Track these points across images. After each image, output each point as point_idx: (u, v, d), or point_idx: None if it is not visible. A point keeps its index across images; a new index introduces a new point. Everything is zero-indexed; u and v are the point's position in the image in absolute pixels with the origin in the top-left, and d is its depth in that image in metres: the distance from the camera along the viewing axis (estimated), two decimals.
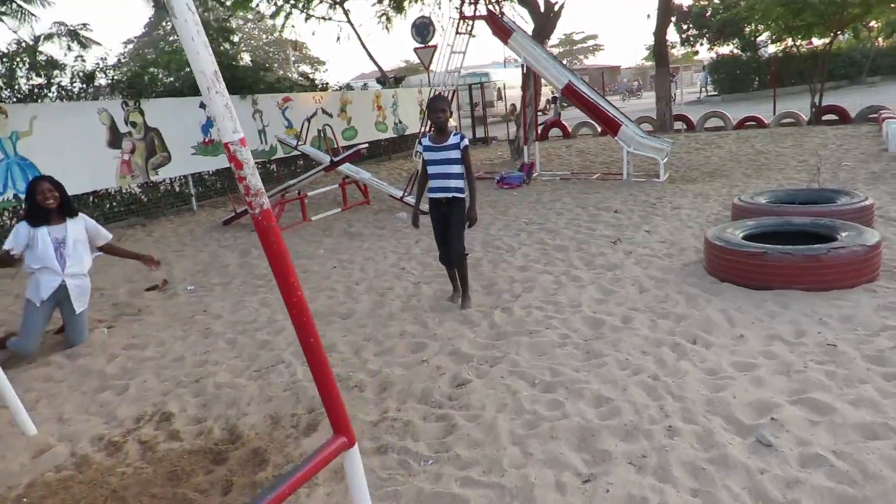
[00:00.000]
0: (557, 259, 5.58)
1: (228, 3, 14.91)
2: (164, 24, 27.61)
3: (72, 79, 9.14)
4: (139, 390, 3.72)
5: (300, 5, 17.06)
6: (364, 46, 20.30)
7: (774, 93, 17.76)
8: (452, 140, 4.35)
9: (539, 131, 14.17)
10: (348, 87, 16.64)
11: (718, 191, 8.06)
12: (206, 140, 10.58)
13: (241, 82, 11.65)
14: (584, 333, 3.87)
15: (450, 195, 4.39)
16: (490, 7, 10.79)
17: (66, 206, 4.48)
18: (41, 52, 8.93)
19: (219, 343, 4.35)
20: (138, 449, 3.10)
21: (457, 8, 11.70)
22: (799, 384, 2.96)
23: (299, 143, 9.69)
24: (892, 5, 14.48)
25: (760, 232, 4.84)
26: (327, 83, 15.79)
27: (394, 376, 3.51)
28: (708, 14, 29.18)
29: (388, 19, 18.40)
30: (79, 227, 4.53)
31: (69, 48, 9.66)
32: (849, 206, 5.16)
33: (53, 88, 8.86)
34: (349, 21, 19.86)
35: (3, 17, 9.61)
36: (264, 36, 43.52)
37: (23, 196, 4.56)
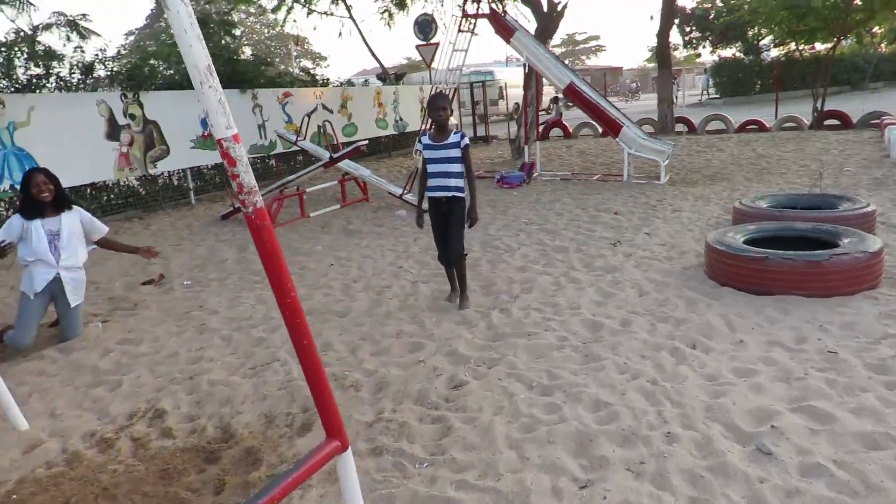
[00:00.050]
0: (557, 260, 5.55)
1: None
2: (165, 16, 27.49)
3: (71, 70, 9.08)
4: (132, 386, 3.68)
5: (302, 0, 17.00)
6: (366, 42, 20.23)
7: (777, 97, 17.73)
8: (453, 139, 4.32)
9: (540, 131, 14.13)
10: (349, 83, 16.58)
11: (719, 194, 8.03)
12: (206, 134, 10.52)
13: (241, 76, 11.59)
14: (582, 336, 3.84)
15: (450, 194, 4.35)
16: (493, 5, 10.74)
17: (61, 199, 4.43)
18: (39, 43, 8.85)
19: (214, 339, 4.32)
20: (130, 446, 3.07)
21: (459, 6, 11.65)
22: (799, 392, 2.93)
23: (299, 138, 9.64)
24: None
25: (761, 237, 4.81)
26: (328, 79, 15.73)
27: (390, 376, 3.47)
28: (711, 17, 29.13)
29: (391, 16, 18.36)
30: (74, 220, 4.48)
31: (68, 39, 9.59)
32: (851, 211, 5.13)
33: (52, 79, 8.80)
34: (351, 16, 19.78)
35: (2, 6, 9.53)
36: (266, 30, 43.41)
37: (19, 187, 4.51)
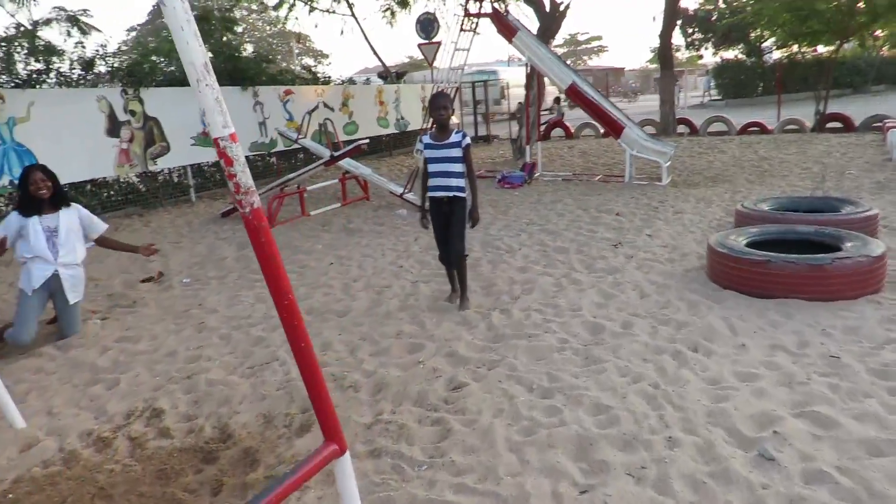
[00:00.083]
0: (558, 261, 5.52)
1: None
2: None
3: (71, 65, 9.05)
4: (130, 385, 3.66)
5: None
6: (367, 41, 20.20)
7: (779, 99, 17.68)
8: (454, 138, 4.29)
9: (541, 131, 14.11)
10: (351, 81, 16.55)
11: (721, 196, 8.00)
12: (206, 131, 10.47)
13: (242, 74, 11.57)
14: (583, 338, 3.82)
15: (451, 194, 4.32)
16: (495, 5, 10.71)
17: (59, 196, 4.41)
18: (40, 38, 8.83)
19: (213, 338, 4.29)
20: (128, 446, 3.04)
21: (462, 5, 11.62)
22: (802, 396, 2.91)
23: (300, 136, 9.62)
24: None
25: (764, 239, 4.78)
26: (329, 77, 15.70)
27: (389, 377, 3.45)
28: (714, 18, 29.11)
29: (393, 14, 18.32)
30: (72, 217, 4.46)
31: (69, 34, 9.55)
32: (854, 215, 5.11)
33: (52, 74, 8.78)
34: (353, 15, 19.74)
35: (2, 1, 9.50)
36: (268, 27, 43.35)
37: (18, 184, 4.48)
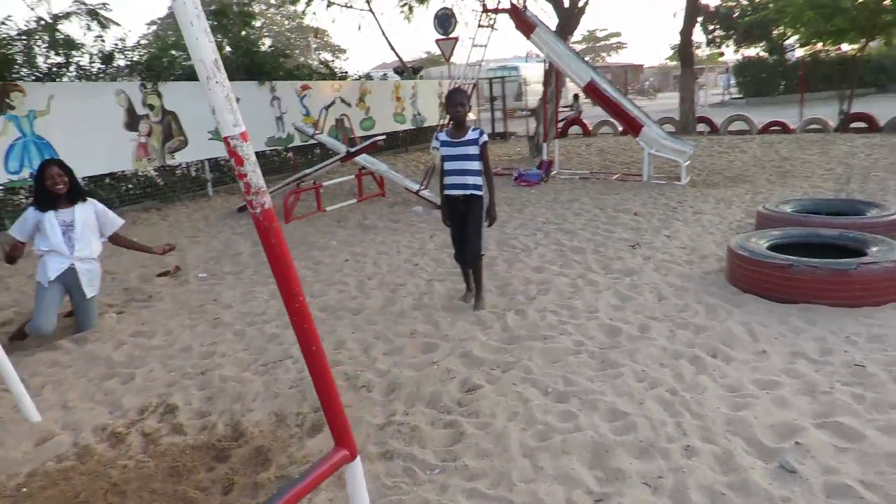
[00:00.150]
0: (574, 261, 5.46)
1: None
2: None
3: (90, 59, 9.12)
4: (145, 380, 3.67)
5: None
6: (385, 36, 20.21)
7: (802, 98, 17.39)
8: (471, 135, 4.24)
9: (559, 128, 14.00)
10: (368, 76, 16.53)
11: (741, 197, 7.87)
12: None
13: (260, 68, 11.59)
14: (599, 341, 3.76)
15: (467, 192, 4.28)
16: (514, 1, 10.60)
17: (76, 191, 4.42)
18: (59, 31, 8.89)
19: (227, 334, 4.29)
20: (141, 441, 3.05)
21: (480, 0, 11.54)
22: (825, 406, 2.83)
23: (316, 131, 9.62)
24: None
25: (786, 243, 4.69)
26: (346, 72, 15.69)
27: (402, 378, 3.42)
28: (735, 15, 28.71)
29: (411, 9, 18.28)
30: (88, 212, 4.47)
31: (88, 28, 9.61)
32: (879, 218, 4.99)
33: (72, 68, 8.85)
34: (371, 10, 19.75)
35: None
36: (286, 22, 43.49)
37: (34, 179, 4.50)
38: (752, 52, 29.63)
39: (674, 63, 43.55)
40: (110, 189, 9.31)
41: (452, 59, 14.06)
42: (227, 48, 12.08)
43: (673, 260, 5.31)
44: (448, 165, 4.32)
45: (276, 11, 41.17)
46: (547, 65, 10.88)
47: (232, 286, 5.42)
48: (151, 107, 9.34)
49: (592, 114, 20.96)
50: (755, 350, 3.48)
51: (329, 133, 10.84)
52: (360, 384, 3.41)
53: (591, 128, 17.87)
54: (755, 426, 2.69)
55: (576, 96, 20.72)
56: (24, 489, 2.73)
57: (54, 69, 8.66)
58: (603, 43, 66.81)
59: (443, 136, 4.36)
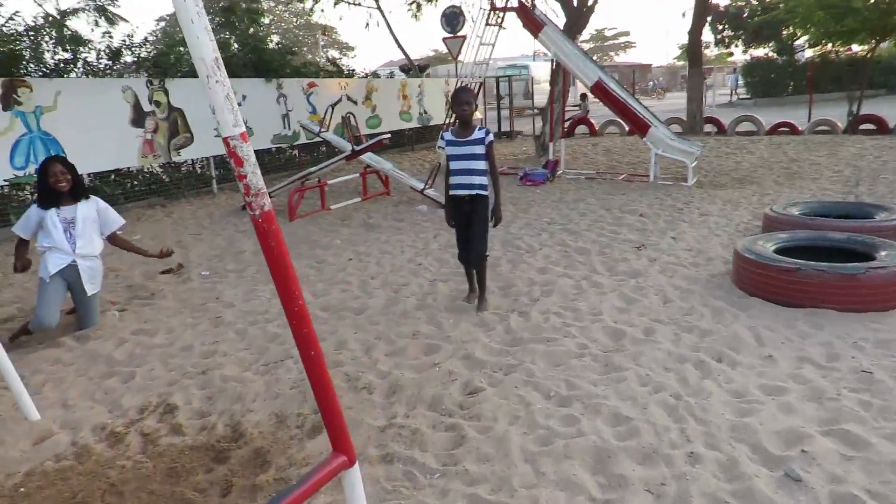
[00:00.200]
0: (578, 262, 5.42)
1: None
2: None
3: (98, 55, 9.12)
4: (145, 379, 3.65)
5: None
6: (392, 34, 20.15)
7: (811, 98, 17.27)
8: (477, 135, 4.21)
9: (565, 128, 13.93)
10: (375, 74, 16.51)
11: (749, 198, 7.81)
12: None
13: (267, 65, 11.57)
14: (603, 344, 3.72)
15: (473, 192, 4.25)
16: None
17: (79, 188, 4.42)
18: (67, 27, 8.90)
19: (228, 333, 4.28)
20: (140, 441, 3.03)
21: None
22: (831, 413, 2.79)
23: (322, 129, 9.59)
24: None
25: (793, 246, 4.64)
26: (353, 70, 15.67)
27: (404, 379, 3.40)
28: (745, 15, 28.54)
29: (419, 7, 18.24)
30: (90, 209, 4.46)
31: (96, 24, 9.62)
32: (888, 222, 4.93)
33: (79, 64, 8.85)
34: (379, 7, 19.72)
35: None
36: (294, 19, 43.54)
37: (37, 177, 4.50)
38: (761, 52, 29.45)
39: (682, 63, 43.35)
40: (115, 185, 9.31)
41: (460, 58, 14.02)
42: (235, 45, 12.08)
43: (679, 262, 5.26)
44: (454, 165, 4.28)
45: (285, 8, 41.23)
46: (554, 64, 10.82)
47: (234, 284, 5.40)
48: (158, 103, 9.34)
49: (600, 113, 20.90)
50: (761, 355, 3.44)
51: (335, 131, 10.81)
52: (361, 385, 3.38)
53: (597, 127, 17.79)
54: (760, 433, 2.65)
55: (583, 95, 20.63)
56: (22, 489, 2.72)
57: (61, 65, 8.66)
58: (611, 42, 66.57)
59: (448, 136, 4.33)
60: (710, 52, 33.85)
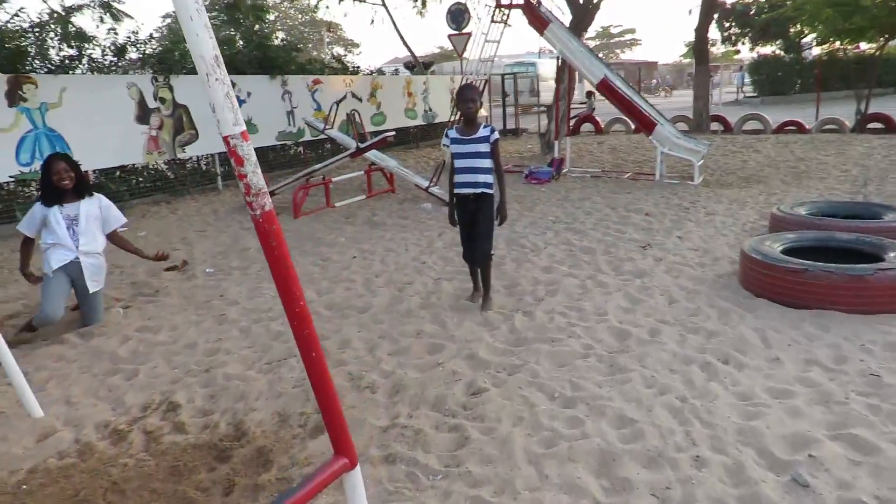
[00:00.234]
0: (584, 262, 5.39)
1: None
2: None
3: (103, 52, 9.13)
4: (148, 376, 3.65)
5: None
6: (398, 30, 20.12)
7: (818, 97, 17.15)
8: (482, 132, 4.18)
9: (571, 125, 13.88)
10: (380, 71, 16.47)
11: (755, 198, 7.75)
12: None
13: (272, 62, 11.56)
14: (608, 345, 3.70)
15: (478, 191, 4.22)
16: None
17: (82, 185, 4.41)
18: (72, 24, 8.90)
19: (232, 331, 4.27)
20: (142, 439, 3.03)
21: None
22: (839, 417, 2.76)
23: (326, 126, 9.57)
24: None
25: (800, 246, 4.59)
26: (358, 67, 15.65)
27: (407, 379, 3.38)
28: (752, 12, 28.37)
29: (424, 4, 18.19)
30: (93, 207, 4.47)
31: (101, 20, 9.62)
32: None
33: (84, 60, 8.86)
34: (384, 4, 19.68)
35: None
36: (300, 16, 43.50)
37: (40, 174, 4.50)
38: (769, 50, 29.28)
39: (688, 60, 43.16)
40: (121, 182, 9.32)
41: (465, 55, 13.97)
42: (240, 42, 12.07)
43: (685, 262, 5.23)
44: (458, 163, 4.26)
45: (290, 5, 41.21)
46: (560, 61, 10.77)
47: (238, 282, 5.40)
48: (163, 100, 9.34)
49: (606, 111, 20.84)
50: (768, 357, 3.41)
51: (339, 128, 10.79)
52: (365, 385, 3.37)
53: (603, 125, 17.73)
54: (767, 437, 2.62)
55: (589, 93, 20.56)
56: (25, 486, 2.71)
57: (66, 61, 8.67)
58: (617, 39, 66.31)
59: (453, 133, 4.30)
60: (717, 49, 33.69)
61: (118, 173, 9.35)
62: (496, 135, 4.19)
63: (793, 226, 5.11)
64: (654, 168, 9.57)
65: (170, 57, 9.82)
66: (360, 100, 13.60)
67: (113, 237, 4.67)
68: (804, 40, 26.37)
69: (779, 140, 13.52)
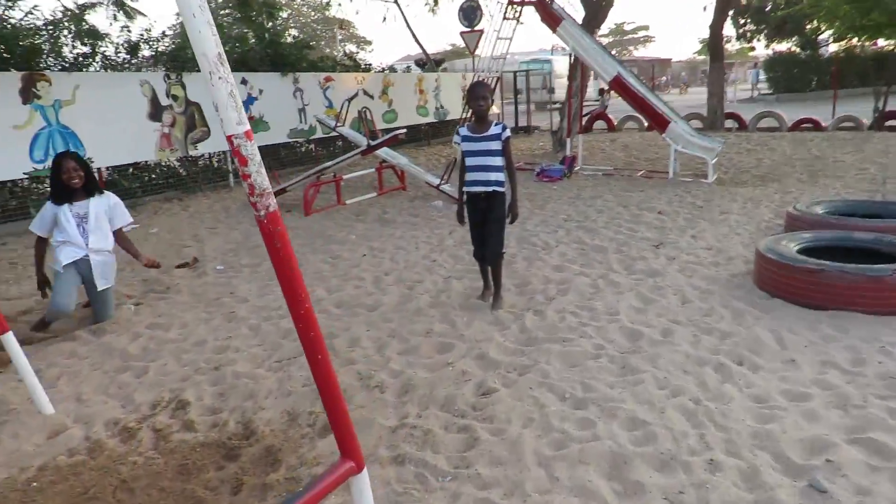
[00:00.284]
0: (595, 261, 5.34)
1: None
2: None
3: (116, 49, 9.17)
4: (158, 374, 3.65)
5: None
6: (410, 28, 20.09)
7: (835, 94, 16.92)
8: (493, 130, 4.14)
9: (583, 123, 13.78)
10: (392, 68, 16.46)
11: (770, 196, 7.65)
12: (247, 116, 10.54)
13: (283, 59, 11.57)
14: (620, 345, 3.65)
15: (489, 189, 4.18)
16: None
17: (92, 183, 4.43)
18: (86, 22, 8.96)
19: (242, 329, 4.26)
20: (152, 437, 3.02)
21: None
22: (857, 421, 2.70)
23: (338, 124, 9.57)
24: None
25: (817, 246, 4.52)
26: (370, 64, 15.64)
27: (416, 379, 3.35)
28: (768, 9, 28.02)
29: (436, 1, 18.14)
30: (102, 204, 4.48)
31: (115, 18, 9.69)
32: None
33: (97, 58, 8.91)
34: (396, 1, 19.66)
35: None
36: (312, 13, 43.56)
37: (50, 173, 4.52)
38: (784, 46, 28.92)
39: (702, 57, 42.79)
40: (133, 179, 9.37)
41: (477, 52, 13.92)
42: (252, 39, 12.09)
43: (698, 261, 5.16)
44: (469, 161, 4.22)
45: (303, 2, 41.28)
46: (573, 59, 10.69)
47: (249, 279, 5.40)
48: (175, 97, 9.38)
49: (618, 108, 20.70)
50: (784, 358, 3.35)
51: (351, 125, 10.79)
52: (374, 384, 3.34)
53: (615, 123, 17.60)
54: (783, 441, 2.57)
55: (602, 91, 20.43)
56: (35, 483, 2.72)
57: (80, 59, 8.72)
58: (630, 36, 65.83)
59: (464, 131, 4.26)
60: (732, 46, 33.33)
61: (131, 170, 9.40)
62: (508, 132, 4.15)
63: (809, 225, 5.03)
64: (668, 166, 9.48)
65: (182, 54, 9.86)
66: (371, 97, 13.59)
67: (117, 235, 4.67)
68: (821, 37, 26.01)
69: (795, 138, 13.35)
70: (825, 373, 3.16)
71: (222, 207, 8.87)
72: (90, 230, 4.36)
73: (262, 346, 3.97)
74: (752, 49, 34.14)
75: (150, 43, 9.73)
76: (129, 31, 9.47)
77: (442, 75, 16.91)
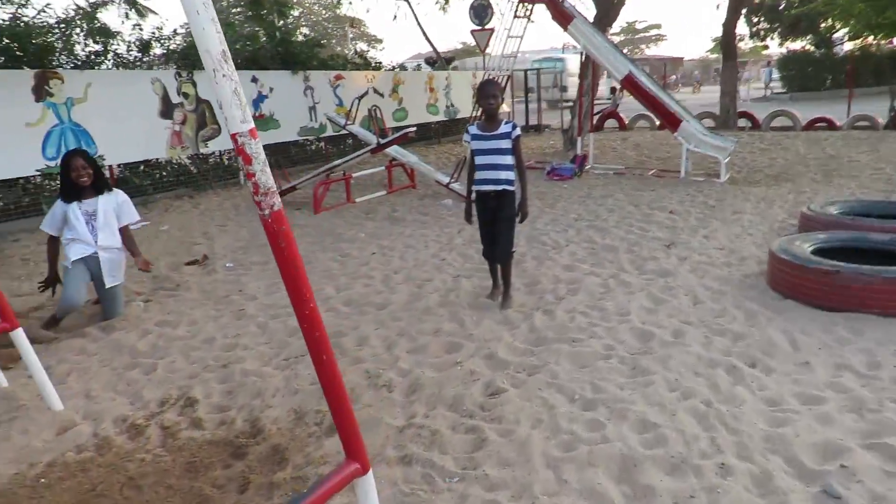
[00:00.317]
0: (606, 260, 5.29)
1: None
2: None
3: (128, 47, 9.21)
4: (166, 371, 3.65)
5: None
6: (420, 26, 20.07)
7: (850, 93, 16.72)
8: (503, 129, 4.11)
9: (594, 122, 13.70)
10: (402, 67, 16.44)
11: (784, 196, 7.57)
12: (257, 114, 10.57)
13: (294, 58, 11.58)
14: (630, 346, 3.61)
15: (499, 188, 4.15)
16: None
17: (100, 181, 4.44)
18: (97, 20, 9.00)
19: (250, 326, 4.26)
20: (159, 435, 3.02)
21: None
22: (873, 426, 2.65)
23: (348, 122, 9.56)
24: None
25: (831, 247, 4.45)
26: (380, 62, 15.63)
27: (424, 378, 3.33)
28: (781, 7, 27.76)
29: (447, 0, 18.10)
30: (111, 202, 4.50)
31: (126, 16, 9.74)
32: None
33: (109, 56, 8.95)
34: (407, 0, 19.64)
35: None
36: (324, 11, 43.65)
37: (59, 171, 4.54)
38: (798, 45, 28.64)
39: (715, 56, 42.47)
40: (144, 176, 9.42)
41: (487, 51, 13.88)
42: (263, 38, 12.12)
43: (710, 261, 5.11)
44: (479, 160, 4.19)
45: (314, 1, 41.37)
46: (584, 57, 10.63)
47: (258, 277, 5.40)
48: (186, 95, 9.41)
49: (630, 107, 20.58)
50: (797, 361, 3.30)
51: (361, 124, 10.78)
52: (382, 383, 3.33)
53: (627, 122, 17.50)
54: (796, 445, 2.53)
55: (613, 89, 20.32)
56: (43, 480, 2.72)
57: (92, 57, 8.76)
58: (642, 35, 65.43)
59: (474, 129, 4.23)
60: (745, 45, 33.04)
61: (142, 168, 9.45)
62: (518, 131, 4.12)
63: (824, 225, 4.97)
64: (679, 165, 9.40)
65: (193, 52, 9.87)
66: (381, 95, 13.58)
67: (122, 232, 4.66)
68: (835, 35, 25.74)
69: (809, 137, 13.21)
70: (839, 376, 3.12)
71: (232, 205, 8.89)
72: (99, 227, 4.38)
73: (269, 343, 3.97)
74: (766, 47, 33.89)
75: (162, 41, 9.77)
76: (140, 29, 9.51)
77: (452, 73, 16.87)
